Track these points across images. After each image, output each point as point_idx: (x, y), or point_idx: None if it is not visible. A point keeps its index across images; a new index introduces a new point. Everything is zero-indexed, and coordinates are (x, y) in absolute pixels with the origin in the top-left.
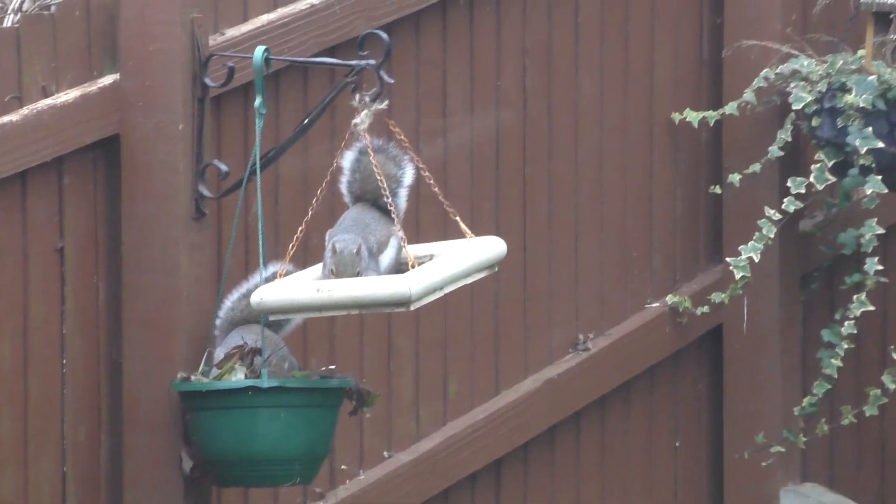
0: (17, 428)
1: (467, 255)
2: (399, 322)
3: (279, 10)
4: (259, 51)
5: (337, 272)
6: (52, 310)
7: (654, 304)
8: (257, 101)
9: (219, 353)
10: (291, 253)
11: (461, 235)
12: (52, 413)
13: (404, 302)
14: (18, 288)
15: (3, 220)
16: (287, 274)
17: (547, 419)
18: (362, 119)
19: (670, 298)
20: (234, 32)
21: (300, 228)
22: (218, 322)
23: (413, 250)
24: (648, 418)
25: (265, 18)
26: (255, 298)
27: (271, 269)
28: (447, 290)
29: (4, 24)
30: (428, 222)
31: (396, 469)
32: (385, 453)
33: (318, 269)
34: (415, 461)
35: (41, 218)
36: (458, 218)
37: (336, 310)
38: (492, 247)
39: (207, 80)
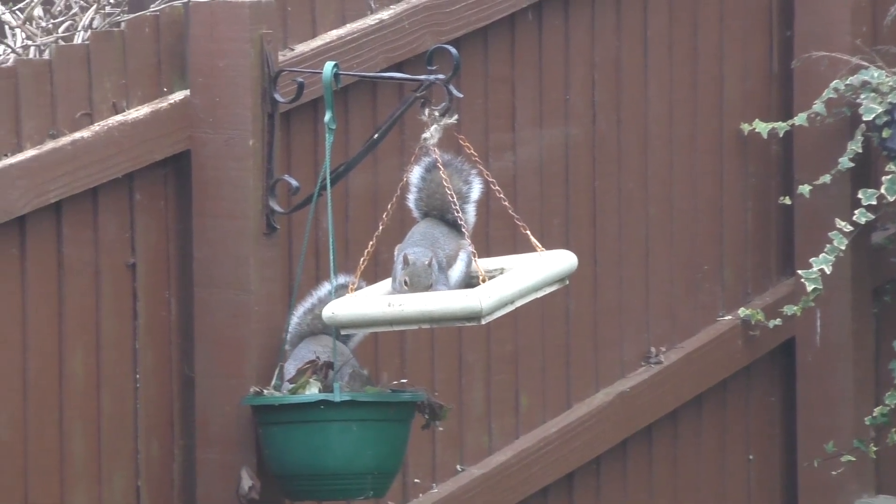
0: (91, 444)
1: (538, 268)
2: (470, 336)
3: (348, 25)
4: (328, 66)
5: (410, 283)
6: (125, 326)
7: (725, 318)
8: (327, 117)
9: (289, 368)
10: (363, 267)
11: (531, 250)
12: (125, 428)
13: (475, 316)
14: (91, 304)
15: (75, 236)
16: (358, 288)
17: (619, 433)
18: (431, 134)
19: (742, 311)
20: (303, 48)
21: (371, 243)
22: (287, 336)
23: (483, 264)
24: (721, 431)
25: (334, 34)
26: (327, 312)
27: (341, 281)
28: (518, 303)
29: (75, 41)
30: (497, 237)
31: (468, 483)
32: (458, 467)
33: (388, 283)
34: (486, 475)
35: (112, 234)
36: (528, 232)
37: (407, 324)
38: (563, 260)
39: (277, 96)
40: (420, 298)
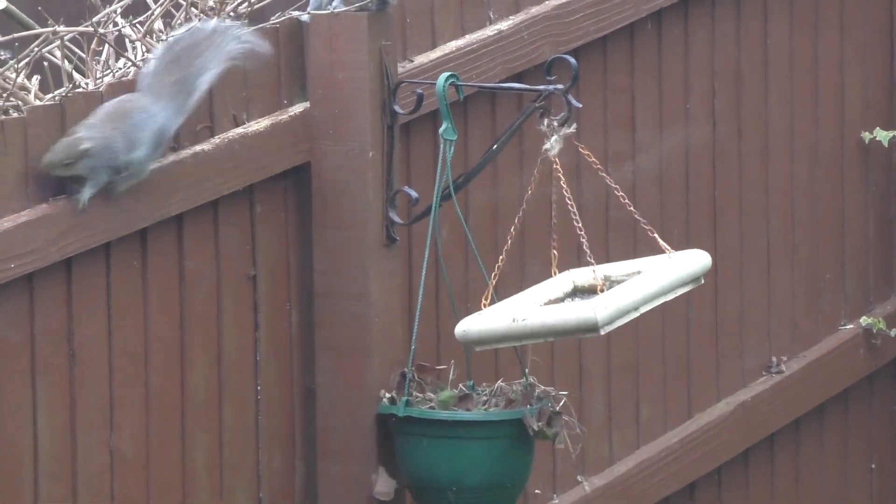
0: (213, 456)
1: (665, 271)
2: (589, 346)
3: (467, 36)
4: (443, 77)
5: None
6: (246, 338)
7: (847, 327)
8: (443, 128)
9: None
10: (494, 282)
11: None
12: (247, 441)
13: (592, 328)
14: (212, 316)
15: (196, 248)
16: (492, 303)
17: (740, 442)
18: (552, 144)
19: (864, 320)
20: (422, 59)
21: (500, 258)
22: (414, 347)
23: (617, 268)
24: (843, 441)
25: (453, 45)
26: (459, 330)
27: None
28: (643, 309)
29: None
30: (617, 246)
31: (589, 494)
32: (578, 478)
33: (515, 300)
34: (608, 485)
35: (233, 246)
36: (655, 235)
37: (532, 338)
38: (695, 260)
39: (396, 108)
40: (541, 312)
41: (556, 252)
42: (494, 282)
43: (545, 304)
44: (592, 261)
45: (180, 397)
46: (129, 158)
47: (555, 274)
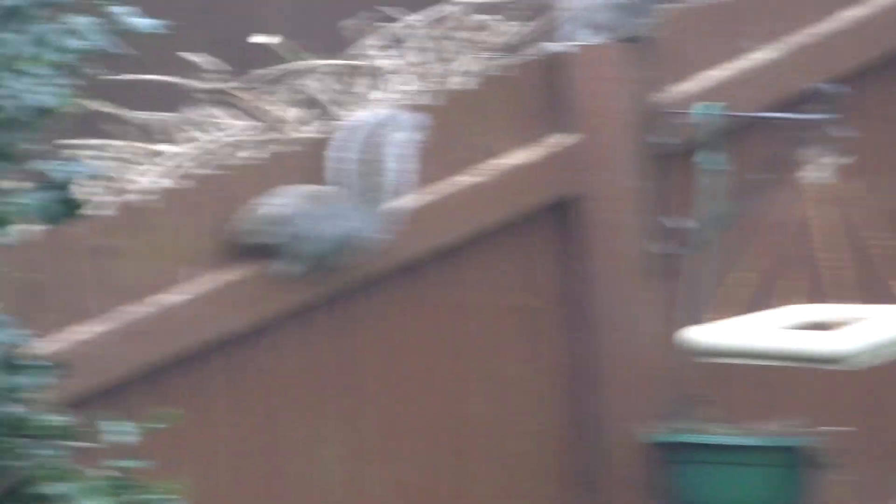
0: (495, 487)
1: None
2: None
3: (729, 65)
4: (702, 107)
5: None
6: (524, 368)
7: None
8: (706, 158)
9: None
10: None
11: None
12: (528, 471)
13: (838, 359)
14: (490, 347)
15: (474, 279)
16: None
17: None
18: (820, 174)
19: None
20: (684, 88)
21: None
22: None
23: (865, 310)
24: None
25: (715, 75)
26: (691, 338)
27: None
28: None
29: (461, 86)
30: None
31: None
32: None
33: (750, 318)
34: None
35: (508, 277)
36: None
37: (768, 360)
38: None
39: (659, 138)
40: (780, 336)
41: (806, 282)
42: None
43: (781, 328)
44: (837, 297)
45: (460, 427)
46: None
47: (799, 303)
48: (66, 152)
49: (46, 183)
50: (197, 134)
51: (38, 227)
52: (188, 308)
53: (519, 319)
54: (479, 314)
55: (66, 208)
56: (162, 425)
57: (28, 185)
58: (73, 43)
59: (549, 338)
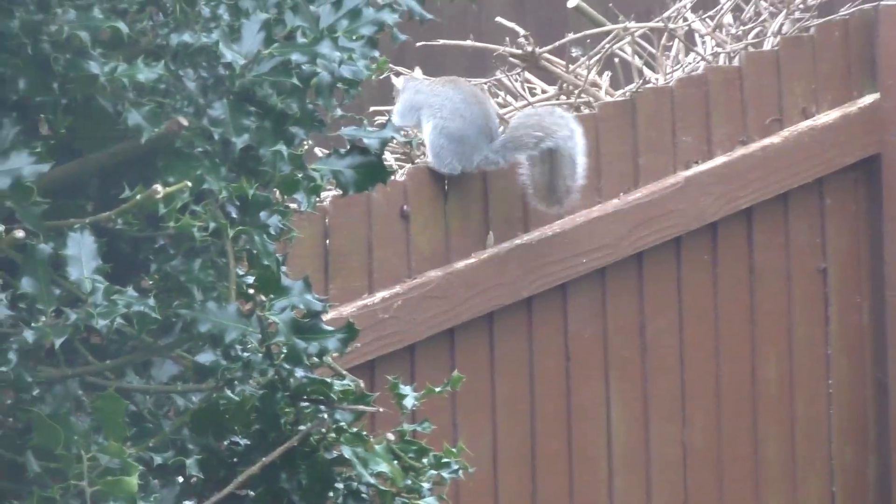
0: (785, 449)
1: None
2: None
3: None
4: None
5: None
6: (817, 331)
7: None
8: None
9: None
10: None
11: None
12: (819, 434)
13: None
14: (782, 309)
15: (765, 242)
16: None
17: None
18: None
19: None
20: None
21: None
22: None
23: None
24: None
25: None
26: None
27: None
28: None
29: (764, 48)
30: None
31: None
32: None
33: None
34: None
35: (803, 239)
36: None
37: None
38: None
39: None
40: None
41: None
42: None
43: None
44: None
45: (751, 390)
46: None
47: None
48: (377, 119)
49: (357, 149)
50: (509, 99)
51: (340, 193)
52: (479, 271)
53: (817, 281)
54: (774, 276)
55: (378, 174)
56: (446, 389)
57: (340, 151)
58: (388, 17)
59: (848, 300)
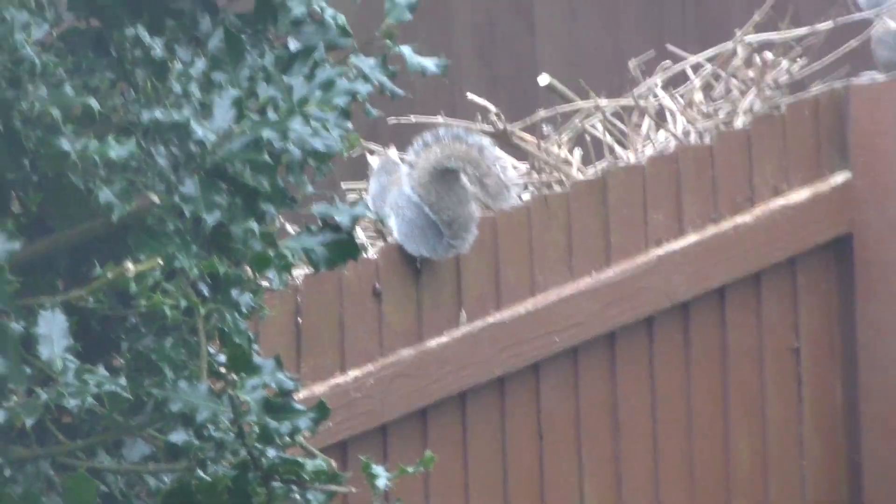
0: None
1: None
2: None
3: None
4: None
5: None
6: (790, 411)
7: None
8: None
9: None
10: None
11: None
12: None
13: None
14: (756, 389)
15: (738, 320)
16: None
17: None
18: None
19: None
20: None
21: None
22: None
23: None
24: None
25: None
26: None
27: None
28: None
29: (734, 125)
30: None
31: None
32: None
33: None
34: None
35: (775, 318)
36: None
37: None
38: None
39: None
40: None
41: None
42: None
43: None
44: None
45: (724, 469)
46: None
47: None
48: (349, 195)
49: (329, 226)
50: None
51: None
52: (452, 349)
53: (789, 361)
54: (747, 355)
55: (349, 251)
56: (419, 469)
57: (311, 228)
58: (362, 87)
59: (821, 380)
